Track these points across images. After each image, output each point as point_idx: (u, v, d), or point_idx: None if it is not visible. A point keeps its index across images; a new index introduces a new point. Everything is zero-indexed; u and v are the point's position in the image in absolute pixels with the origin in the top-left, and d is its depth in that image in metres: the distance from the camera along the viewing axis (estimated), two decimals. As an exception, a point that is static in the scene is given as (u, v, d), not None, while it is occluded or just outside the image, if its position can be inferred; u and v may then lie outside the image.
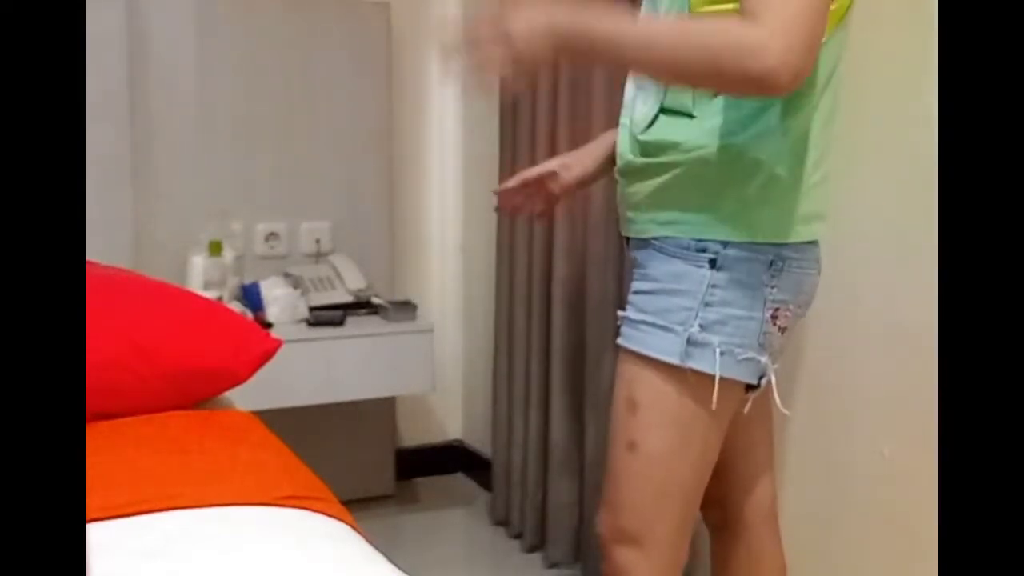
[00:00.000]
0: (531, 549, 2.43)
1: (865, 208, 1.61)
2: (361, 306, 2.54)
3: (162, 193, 2.47)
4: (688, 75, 1.10)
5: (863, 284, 1.62)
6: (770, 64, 1.00)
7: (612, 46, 1.12)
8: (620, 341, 1.28)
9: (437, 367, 2.57)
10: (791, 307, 1.25)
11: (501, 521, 2.60)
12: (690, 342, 1.20)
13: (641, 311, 1.25)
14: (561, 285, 2.29)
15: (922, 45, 1.47)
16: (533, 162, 2.37)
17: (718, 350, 1.20)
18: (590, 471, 2.21)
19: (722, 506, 1.45)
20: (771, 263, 1.21)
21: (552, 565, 2.34)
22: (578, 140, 2.20)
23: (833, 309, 1.65)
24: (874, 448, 1.61)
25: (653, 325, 1.23)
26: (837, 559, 1.70)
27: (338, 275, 2.58)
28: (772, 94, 1.09)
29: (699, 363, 1.20)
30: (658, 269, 1.24)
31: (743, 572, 1.47)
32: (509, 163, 2.50)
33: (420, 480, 2.95)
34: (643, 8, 1.31)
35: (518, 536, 2.49)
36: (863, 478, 1.64)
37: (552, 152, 2.30)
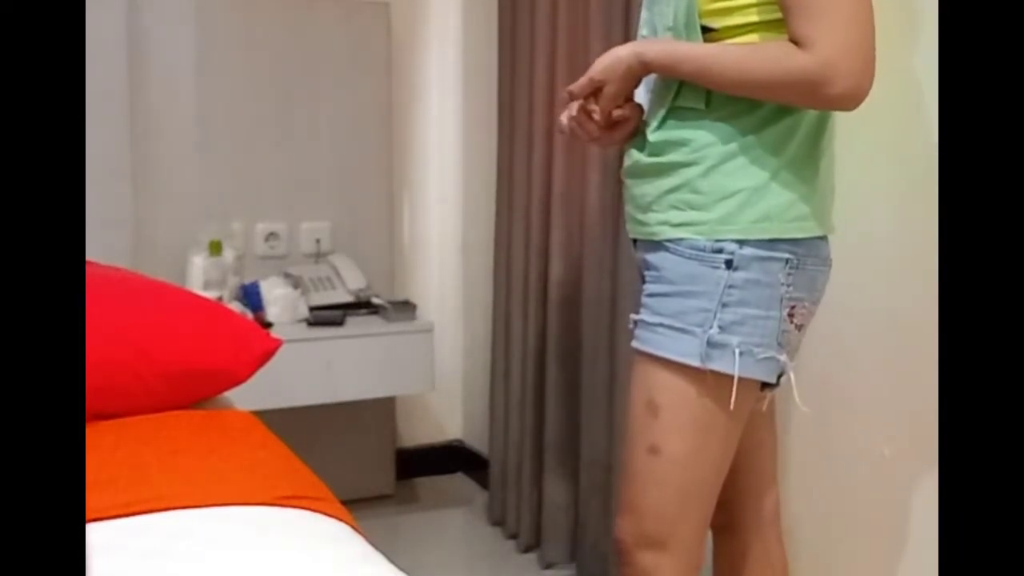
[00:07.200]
0: (527, 549, 2.43)
1: (865, 208, 1.61)
2: (361, 306, 2.54)
3: (162, 193, 2.47)
4: (764, 99, 1.20)
5: (864, 283, 1.62)
6: (837, 91, 1.11)
7: (692, 75, 1.21)
8: (636, 344, 1.28)
9: (437, 367, 2.57)
10: (807, 304, 1.26)
11: (498, 521, 2.60)
12: (710, 343, 1.20)
13: (657, 314, 1.24)
14: (557, 286, 2.29)
15: (923, 37, 1.47)
16: (531, 161, 2.38)
17: (737, 350, 1.20)
18: (585, 472, 2.21)
19: (726, 508, 1.44)
20: (787, 261, 1.21)
21: (548, 566, 2.34)
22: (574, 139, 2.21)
23: (834, 309, 1.65)
24: (875, 448, 1.61)
25: (671, 328, 1.22)
26: (837, 559, 1.70)
27: (338, 275, 2.58)
28: (846, 109, 1.19)
29: (719, 364, 1.20)
30: (673, 271, 1.23)
31: (752, 573, 1.46)
32: (508, 163, 2.50)
33: (420, 480, 2.95)
34: (643, 10, 1.31)
35: (514, 536, 2.49)
36: (863, 478, 1.64)
37: (549, 151, 2.30)
